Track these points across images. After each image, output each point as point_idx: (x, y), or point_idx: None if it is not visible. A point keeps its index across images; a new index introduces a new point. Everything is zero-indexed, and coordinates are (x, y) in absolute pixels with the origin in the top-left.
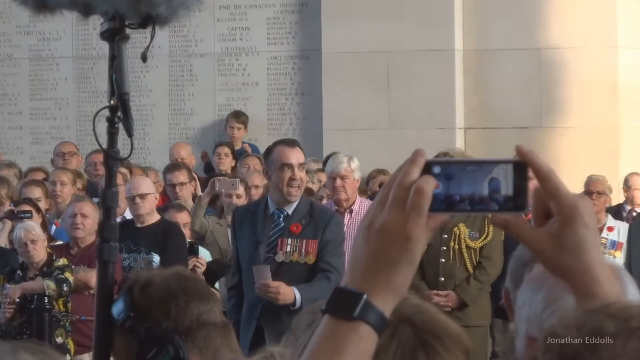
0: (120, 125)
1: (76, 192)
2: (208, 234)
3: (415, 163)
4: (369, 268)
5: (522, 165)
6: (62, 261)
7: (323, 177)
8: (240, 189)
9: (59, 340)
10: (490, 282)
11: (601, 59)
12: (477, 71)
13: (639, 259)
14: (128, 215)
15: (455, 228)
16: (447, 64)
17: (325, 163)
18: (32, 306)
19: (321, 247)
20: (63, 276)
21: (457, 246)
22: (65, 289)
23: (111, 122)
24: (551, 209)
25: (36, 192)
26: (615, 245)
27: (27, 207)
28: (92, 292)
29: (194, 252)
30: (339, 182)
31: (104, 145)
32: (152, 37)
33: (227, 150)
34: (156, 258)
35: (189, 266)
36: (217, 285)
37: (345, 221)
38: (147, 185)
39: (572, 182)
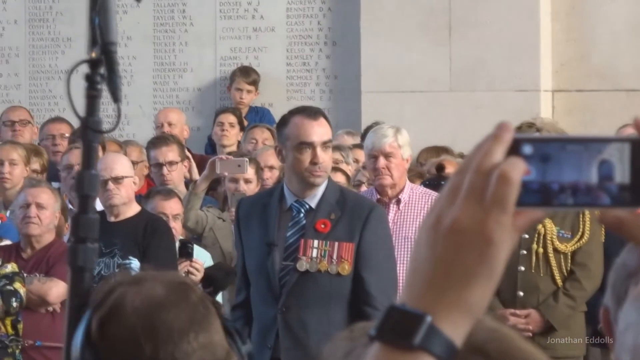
0: (104, 86)
1: (30, 174)
2: (207, 232)
3: (498, 140)
4: (435, 281)
5: None
6: (10, 267)
7: (361, 155)
8: (250, 172)
9: None
10: (585, 298)
11: None
12: (570, 13)
13: None
14: (98, 206)
15: (540, 225)
16: (530, 3)
17: (364, 137)
18: None
19: (359, 254)
20: (11, 287)
21: (541, 250)
22: (14, 304)
23: (91, 81)
24: None
25: None
26: None
27: None
28: (50, 309)
29: (187, 254)
30: (382, 162)
31: (81, 113)
32: None
33: (232, 119)
34: (135, 264)
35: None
36: (220, 297)
37: (391, 215)
38: (124, 166)
39: None
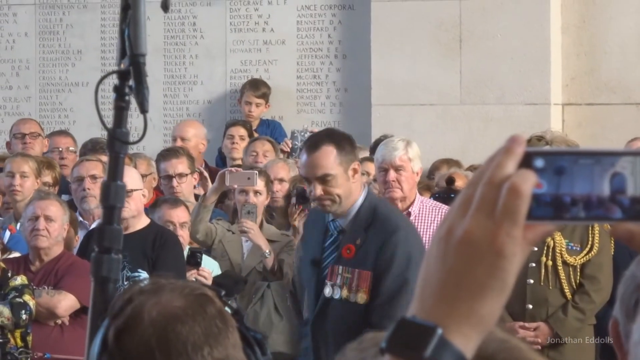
0: (132, 98)
1: (41, 187)
2: (216, 244)
3: (510, 153)
4: (446, 293)
5: None
6: (19, 280)
7: (371, 168)
8: (260, 184)
9: None
10: (595, 311)
11: None
12: (580, 27)
13: None
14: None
15: (549, 238)
16: (540, 16)
17: (373, 150)
18: None
19: (374, 282)
20: (21, 300)
21: (550, 262)
22: (23, 317)
23: (120, 92)
24: None
25: None
26: None
27: None
28: (58, 321)
29: (195, 263)
30: (392, 175)
31: (109, 125)
32: None
33: (242, 131)
34: (144, 276)
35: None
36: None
37: None
38: (134, 179)
39: None
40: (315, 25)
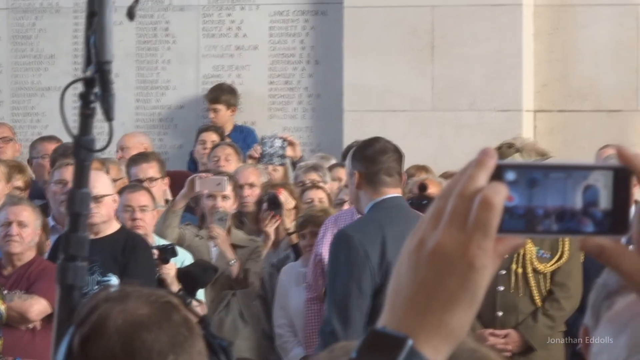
0: (97, 105)
1: (12, 191)
2: (185, 249)
3: (482, 166)
4: (417, 304)
5: (625, 173)
6: None
7: (343, 174)
8: (228, 189)
9: None
10: (564, 318)
11: None
12: (552, 34)
13: None
14: None
15: None
16: (512, 23)
17: (345, 155)
18: None
19: None
20: None
21: (520, 270)
22: None
23: (85, 100)
24: None
25: None
26: None
27: None
28: (30, 326)
29: (164, 260)
30: None
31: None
32: None
33: (214, 137)
34: (114, 281)
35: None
36: (201, 295)
37: None
38: (104, 184)
39: None
40: (287, 31)
